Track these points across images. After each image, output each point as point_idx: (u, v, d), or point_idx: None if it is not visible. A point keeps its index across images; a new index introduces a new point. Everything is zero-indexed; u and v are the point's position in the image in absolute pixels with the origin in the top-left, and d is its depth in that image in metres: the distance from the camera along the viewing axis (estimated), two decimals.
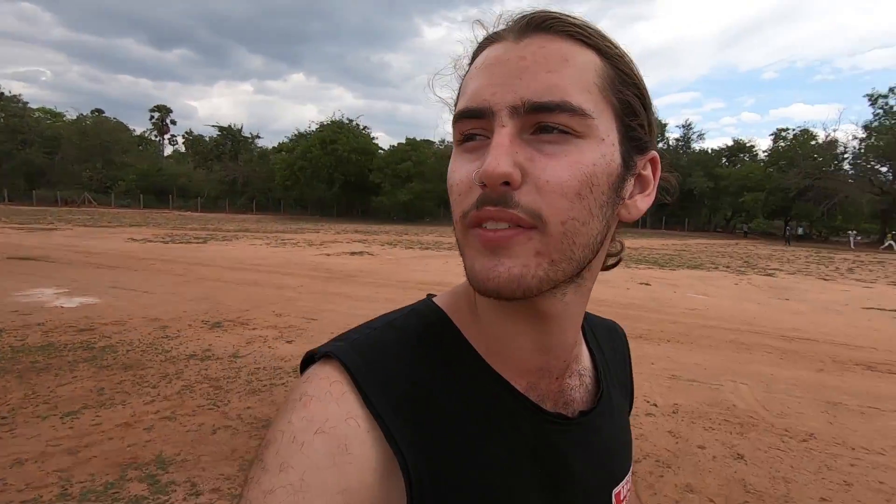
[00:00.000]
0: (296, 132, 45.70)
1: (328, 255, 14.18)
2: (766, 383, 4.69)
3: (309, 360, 0.45)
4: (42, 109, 55.99)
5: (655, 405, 4.07)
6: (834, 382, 4.82)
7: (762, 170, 42.22)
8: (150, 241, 16.20)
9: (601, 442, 0.52)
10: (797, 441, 3.50)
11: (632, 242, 25.83)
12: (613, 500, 0.53)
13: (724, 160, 48.40)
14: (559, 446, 0.48)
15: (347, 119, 44.51)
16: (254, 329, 5.87)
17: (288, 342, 5.39)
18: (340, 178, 40.42)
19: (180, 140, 59.97)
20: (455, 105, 0.43)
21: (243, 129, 52.52)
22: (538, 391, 0.48)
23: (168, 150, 62.33)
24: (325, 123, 42.10)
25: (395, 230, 28.49)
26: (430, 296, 0.52)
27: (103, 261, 10.97)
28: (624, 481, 0.55)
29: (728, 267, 15.46)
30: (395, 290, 8.72)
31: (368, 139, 42.62)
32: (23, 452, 2.85)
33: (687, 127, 51.54)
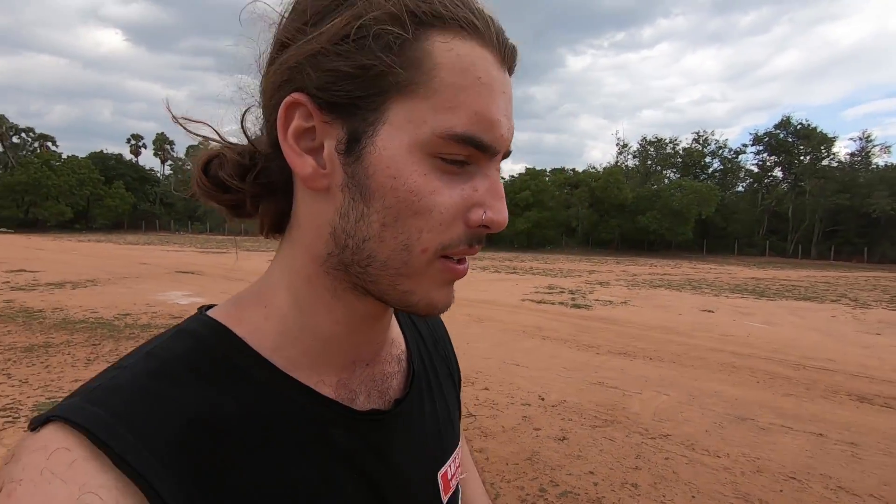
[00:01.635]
0: None
1: None
2: (696, 396, 4.66)
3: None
4: None
5: (542, 398, 4.47)
6: (774, 402, 4.54)
7: None
8: None
9: (422, 426, 0.49)
10: (650, 438, 3.68)
11: (767, 273, 22.97)
12: (440, 481, 0.50)
13: None
14: (377, 445, 0.44)
15: None
16: None
17: None
18: None
19: None
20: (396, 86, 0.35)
21: None
22: (349, 387, 0.44)
23: None
24: None
25: (505, 256, 29.32)
26: (202, 309, 0.44)
27: (237, 275, 13.97)
28: (451, 459, 0.52)
29: (854, 300, 13.22)
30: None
31: None
32: (89, 375, 4.59)
33: (866, 139, 43.51)
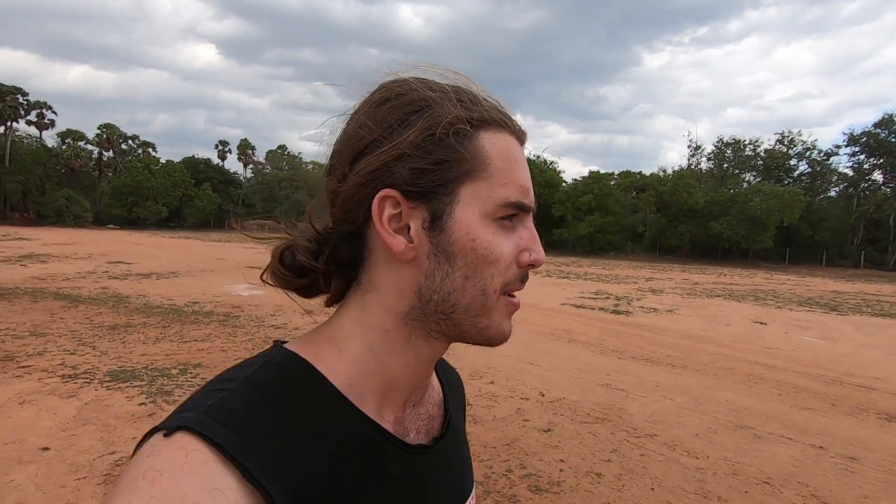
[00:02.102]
0: None
1: None
2: (702, 403, 4.66)
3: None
4: (314, 162, 74.05)
5: (542, 394, 4.68)
6: (776, 410, 4.43)
7: None
8: None
9: (453, 464, 0.57)
10: (635, 437, 3.81)
11: (853, 286, 21.02)
12: None
13: None
14: (422, 477, 0.51)
15: (535, 156, 46.90)
16: None
17: None
18: None
19: None
20: (465, 171, 0.46)
21: None
22: (404, 424, 0.51)
23: None
24: None
25: (563, 261, 28.94)
26: (278, 343, 0.50)
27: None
28: (471, 497, 0.60)
29: None
30: None
31: (553, 173, 43.98)
32: (155, 351, 5.43)
33: None
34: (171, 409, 3.92)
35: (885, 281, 26.13)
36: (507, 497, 2.86)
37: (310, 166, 70.59)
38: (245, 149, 68.27)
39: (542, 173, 42.08)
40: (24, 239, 23.31)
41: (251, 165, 68.55)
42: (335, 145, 0.50)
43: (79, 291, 9.34)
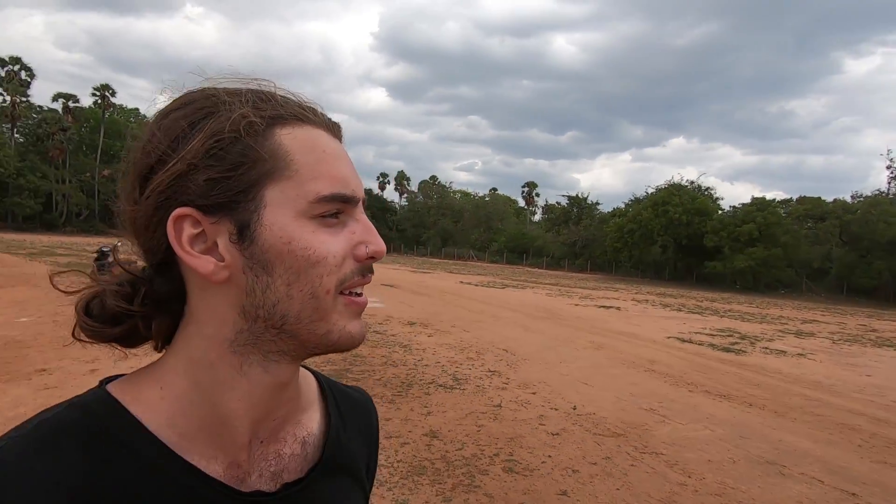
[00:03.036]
0: (632, 197, 47.77)
1: (574, 304, 16.09)
2: (746, 438, 4.50)
3: None
4: (460, 191, 78.41)
5: (574, 408, 4.98)
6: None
7: None
8: (468, 283, 22.08)
9: None
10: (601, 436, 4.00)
11: None
12: None
13: None
14: None
15: (689, 181, 43.44)
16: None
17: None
18: (669, 240, 39.64)
19: (539, 209, 72.03)
20: (271, 171, 0.42)
21: (589, 197, 58.59)
22: (242, 467, 0.46)
23: (538, 217, 75.20)
24: (662, 187, 42.42)
25: (709, 297, 26.26)
26: (104, 381, 0.46)
27: (422, 290, 16.70)
28: None
29: None
30: (554, 327, 10.28)
31: (706, 200, 40.17)
32: None
33: None
34: None
35: None
36: (479, 470, 3.45)
37: (457, 195, 75.32)
38: (401, 179, 75.61)
39: (693, 200, 38.76)
40: None
41: (405, 194, 75.39)
42: (123, 165, 0.46)
43: None
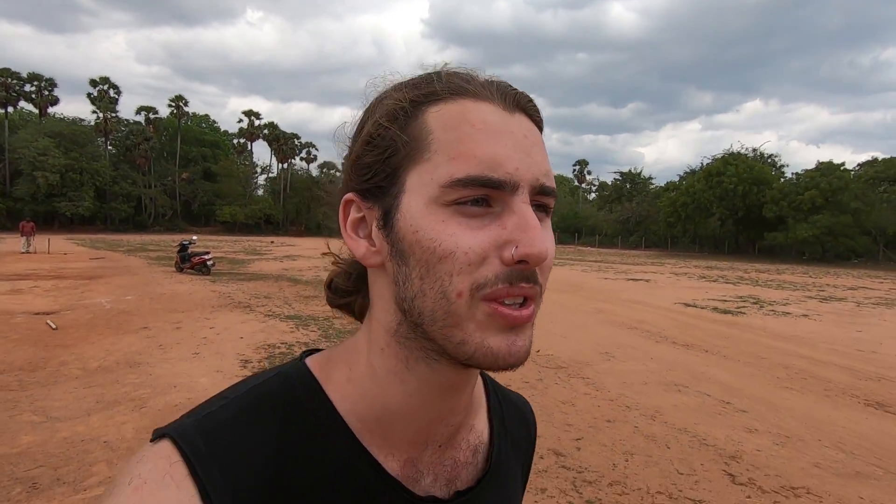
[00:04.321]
0: (687, 169, 46.15)
1: (604, 278, 16.78)
2: (673, 369, 5.49)
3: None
4: None
5: (538, 351, 6.15)
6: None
7: None
8: None
9: None
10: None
11: None
12: None
13: None
14: None
15: (750, 150, 41.50)
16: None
17: None
18: (725, 212, 38.26)
19: (593, 187, 70.82)
20: (408, 153, 0.40)
21: (643, 172, 57.00)
22: (417, 467, 0.46)
23: (593, 196, 73.88)
24: (718, 157, 40.82)
25: (764, 268, 25.58)
26: (305, 353, 0.49)
27: None
28: None
29: None
30: (575, 309, 11.24)
31: (766, 169, 38.26)
32: (319, 310, 8.71)
33: None
34: (304, 333, 6.85)
35: None
36: None
37: None
38: None
39: (751, 169, 37.12)
40: (291, 245, 32.20)
41: None
42: None
43: (301, 276, 13.87)
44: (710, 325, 8.48)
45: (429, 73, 0.44)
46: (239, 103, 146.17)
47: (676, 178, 48.56)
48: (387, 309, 0.43)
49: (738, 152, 40.65)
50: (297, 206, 59.14)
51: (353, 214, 0.44)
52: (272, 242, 35.59)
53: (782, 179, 38.06)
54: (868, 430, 3.97)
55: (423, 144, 0.40)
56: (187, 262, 13.72)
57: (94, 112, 50.68)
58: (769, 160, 42.02)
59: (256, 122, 59.68)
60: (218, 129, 66.36)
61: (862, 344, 7.40)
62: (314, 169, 65.01)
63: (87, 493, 2.69)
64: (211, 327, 6.92)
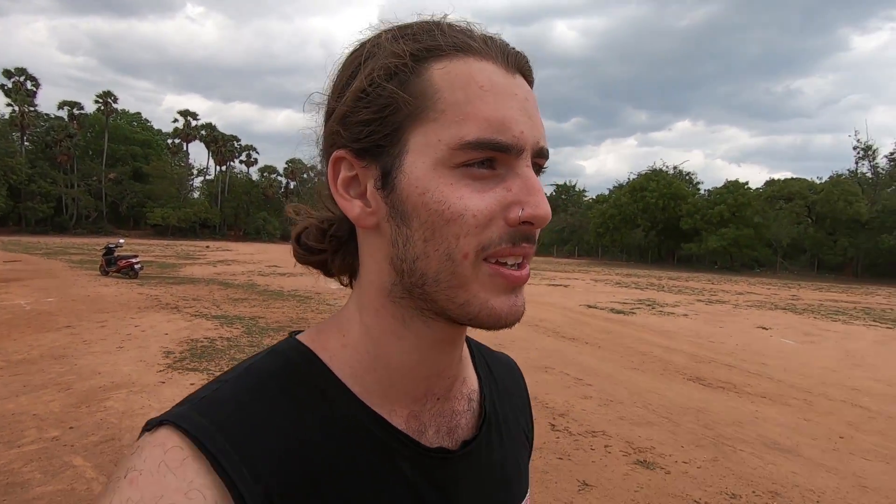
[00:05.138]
0: (615, 184, 49.45)
1: (530, 284, 18.05)
2: (551, 355, 6.53)
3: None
4: None
5: None
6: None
7: None
8: None
9: (489, 471, 0.50)
10: None
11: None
12: None
13: None
14: (443, 483, 0.46)
15: (671, 167, 45.16)
16: None
17: None
18: (648, 224, 41.42)
19: None
20: (411, 109, 0.39)
21: (577, 185, 60.38)
22: (421, 419, 0.47)
23: None
24: (641, 173, 44.12)
25: (677, 275, 28.10)
26: (292, 333, 0.49)
27: None
28: None
29: None
30: None
31: (682, 185, 41.83)
32: (246, 311, 9.17)
33: None
34: (229, 330, 7.37)
35: None
36: None
37: None
38: None
39: (670, 185, 40.47)
40: (227, 250, 31.61)
41: None
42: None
43: (234, 280, 14.11)
44: (599, 323, 9.74)
45: (426, 23, 0.42)
46: (175, 100, 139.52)
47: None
48: (380, 269, 0.43)
49: (660, 169, 44.13)
50: (236, 210, 57.57)
51: (345, 173, 0.43)
52: (207, 247, 34.70)
53: (697, 195, 41.71)
54: (675, 395, 5.13)
55: (428, 103, 0.39)
56: (113, 265, 13.59)
57: (9, 105, 47.23)
58: (687, 177, 45.88)
59: (193, 123, 57.71)
60: (151, 127, 63.39)
61: (714, 336, 8.87)
62: (254, 172, 63.62)
63: (20, 449, 3.24)
64: (136, 325, 7.29)
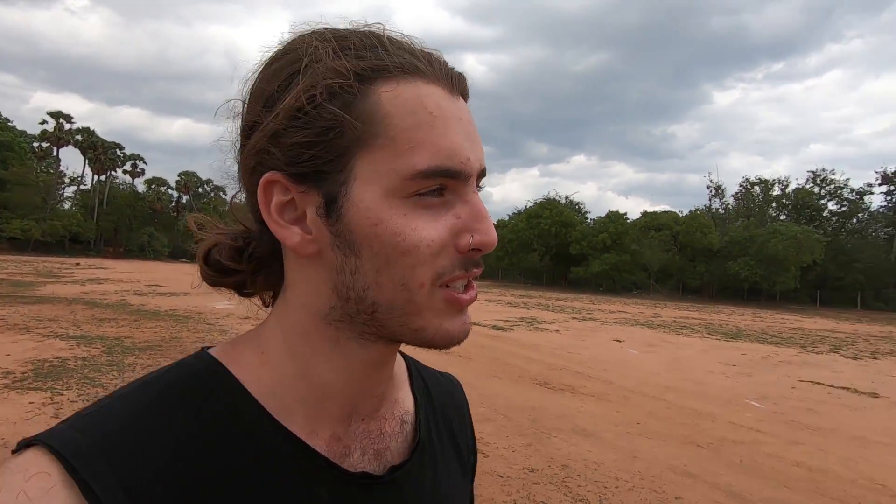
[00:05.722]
0: (514, 210, 52.68)
1: None
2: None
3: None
4: None
5: None
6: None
7: None
8: None
9: (419, 499, 0.47)
10: None
11: (851, 327, 21.14)
12: None
13: None
14: None
15: (564, 197, 49.15)
16: None
17: None
18: (542, 249, 44.54)
19: None
20: (350, 131, 0.38)
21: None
22: (344, 442, 0.44)
23: None
24: (537, 202, 47.48)
25: (563, 297, 30.45)
26: (204, 348, 0.46)
27: None
28: None
29: (837, 349, 12.84)
30: None
31: (572, 214, 45.72)
32: (112, 331, 8.61)
33: None
34: (86, 350, 6.95)
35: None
36: None
37: None
38: None
39: (561, 213, 43.98)
40: (103, 268, 28.66)
41: None
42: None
43: (104, 300, 13.01)
44: (478, 339, 10.48)
45: (366, 35, 0.40)
46: (47, 99, 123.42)
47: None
48: (317, 293, 0.41)
49: (553, 198, 47.84)
50: (117, 225, 52.31)
51: (279, 197, 0.40)
52: (77, 265, 31.12)
53: (584, 223, 45.76)
54: (518, 397, 5.84)
55: (377, 129, 0.38)
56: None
57: None
58: (576, 206, 50.13)
59: (67, 126, 51.86)
60: (13, 128, 55.74)
61: (574, 348, 9.99)
62: (140, 184, 58.50)
63: None
64: None
